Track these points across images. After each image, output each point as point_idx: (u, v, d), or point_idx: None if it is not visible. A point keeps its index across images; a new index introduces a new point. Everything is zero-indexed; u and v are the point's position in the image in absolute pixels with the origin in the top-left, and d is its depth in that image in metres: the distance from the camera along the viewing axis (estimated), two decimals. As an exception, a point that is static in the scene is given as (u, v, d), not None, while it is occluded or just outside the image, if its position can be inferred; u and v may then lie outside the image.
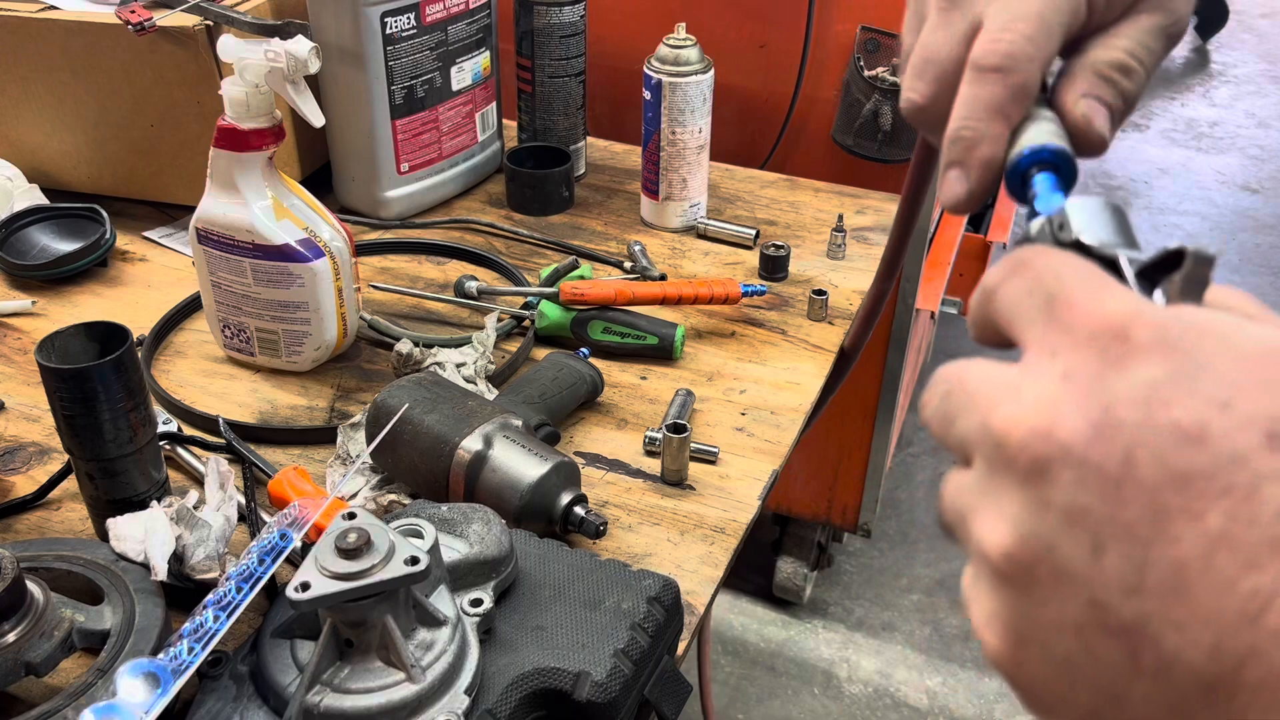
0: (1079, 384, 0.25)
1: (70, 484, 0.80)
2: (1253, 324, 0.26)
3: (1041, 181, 0.37)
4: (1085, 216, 0.33)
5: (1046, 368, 0.27)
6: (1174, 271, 0.30)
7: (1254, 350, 0.24)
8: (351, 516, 0.62)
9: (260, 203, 0.88)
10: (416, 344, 0.93)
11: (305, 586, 0.58)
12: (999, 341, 0.32)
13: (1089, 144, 0.39)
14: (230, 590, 0.63)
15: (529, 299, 1.02)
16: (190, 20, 1.05)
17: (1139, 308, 0.26)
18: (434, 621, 0.62)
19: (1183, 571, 0.23)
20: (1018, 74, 0.38)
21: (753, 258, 1.14)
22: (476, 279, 1.05)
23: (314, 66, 0.85)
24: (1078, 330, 0.27)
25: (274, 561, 0.65)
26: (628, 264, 1.11)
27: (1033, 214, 0.36)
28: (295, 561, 0.71)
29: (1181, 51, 4.46)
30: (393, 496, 0.80)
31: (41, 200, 1.15)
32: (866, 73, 1.35)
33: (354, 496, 0.80)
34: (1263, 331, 0.25)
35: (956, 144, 0.39)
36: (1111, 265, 0.31)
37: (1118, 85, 0.39)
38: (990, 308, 0.31)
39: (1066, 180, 0.37)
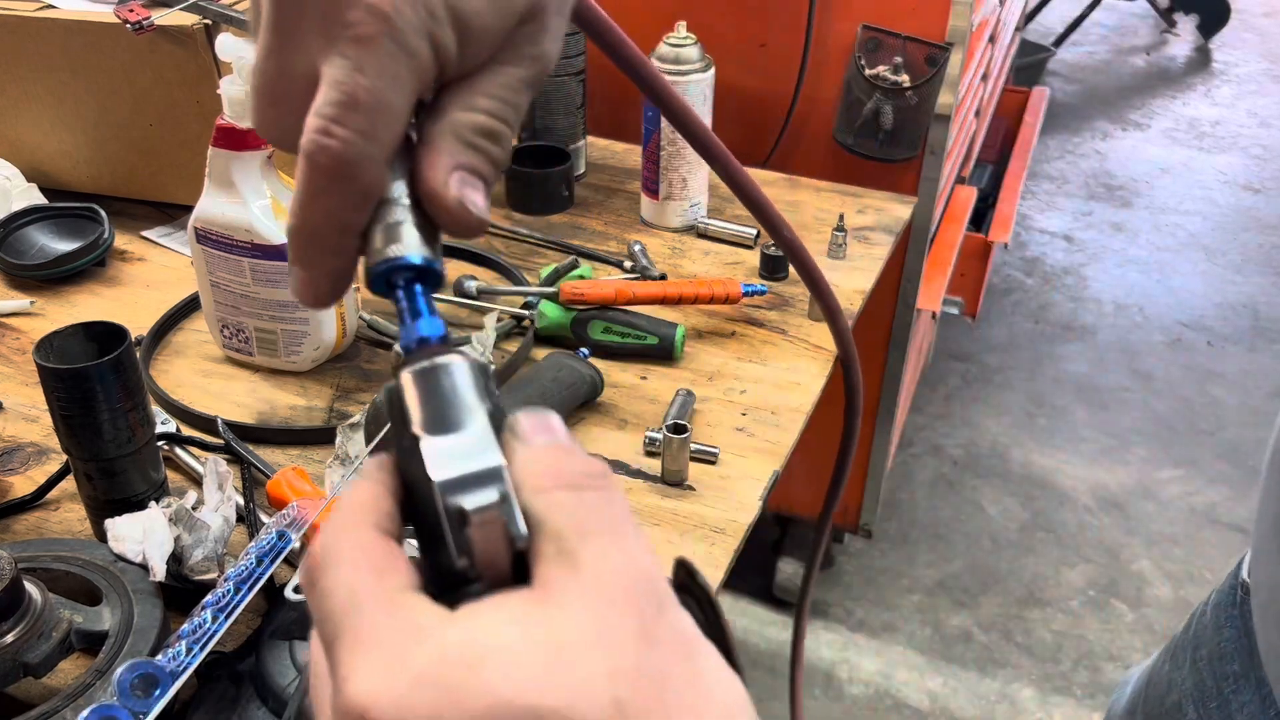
0: None
1: (69, 484, 0.80)
2: (498, 658, 0.25)
3: (406, 297, 0.33)
4: (417, 402, 0.30)
5: None
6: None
7: (481, 712, 0.24)
8: (350, 517, 0.62)
9: (259, 202, 0.88)
10: (416, 344, 0.93)
11: (304, 587, 0.58)
12: None
13: (467, 228, 0.33)
14: (228, 591, 0.63)
15: (529, 299, 1.02)
16: (189, 19, 1.05)
17: (380, 686, 0.25)
18: (433, 622, 0.61)
19: None
20: (357, 181, 0.32)
21: (753, 257, 1.14)
22: (476, 279, 1.05)
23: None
24: (332, 711, 0.26)
25: (272, 562, 0.64)
26: (628, 264, 1.11)
27: (403, 329, 0.33)
28: (294, 562, 0.71)
29: (1184, 50, 4.46)
30: (392, 497, 0.79)
31: (40, 200, 1.15)
32: (867, 72, 1.35)
33: (353, 497, 0.79)
34: (497, 677, 0.25)
35: (298, 248, 0.33)
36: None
37: (486, 152, 0.34)
38: (310, 610, 0.29)
39: (433, 282, 0.33)
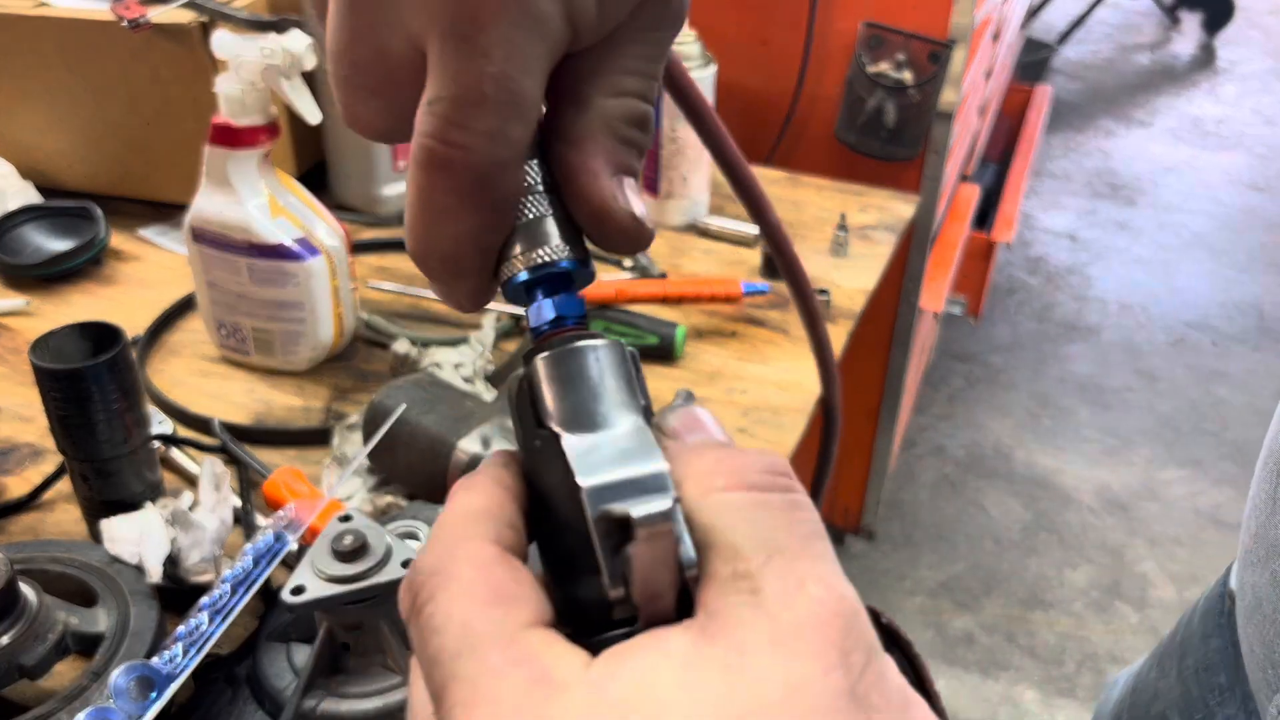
0: None
1: (64, 485, 0.79)
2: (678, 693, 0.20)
3: (543, 292, 0.27)
4: (554, 393, 0.24)
5: None
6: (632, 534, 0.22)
7: None
8: (347, 519, 0.61)
9: (255, 200, 0.87)
10: (414, 344, 0.92)
11: (300, 589, 0.57)
12: None
13: (639, 244, 0.28)
14: (225, 593, 0.62)
15: (529, 298, 1.01)
16: (185, 16, 1.04)
17: None
18: (430, 625, 0.61)
19: None
20: (491, 192, 0.26)
21: (754, 256, 1.14)
22: (476, 278, 1.04)
23: (310, 62, 0.84)
24: None
25: (269, 564, 0.64)
26: (628, 263, 1.10)
27: (534, 308, 0.27)
28: (291, 564, 0.70)
29: (1188, 48, 4.45)
30: (390, 498, 0.79)
31: (35, 198, 1.15)
32: (870, 69, 1.34)
33: (350, 498, 0.79)
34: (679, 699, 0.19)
35: (429, 271, 0.28)
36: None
37: (639, 145, 0.28)
38: (413, 644, 0.24)
39: (583, 283, 0.28)
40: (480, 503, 0.24)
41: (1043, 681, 1.84)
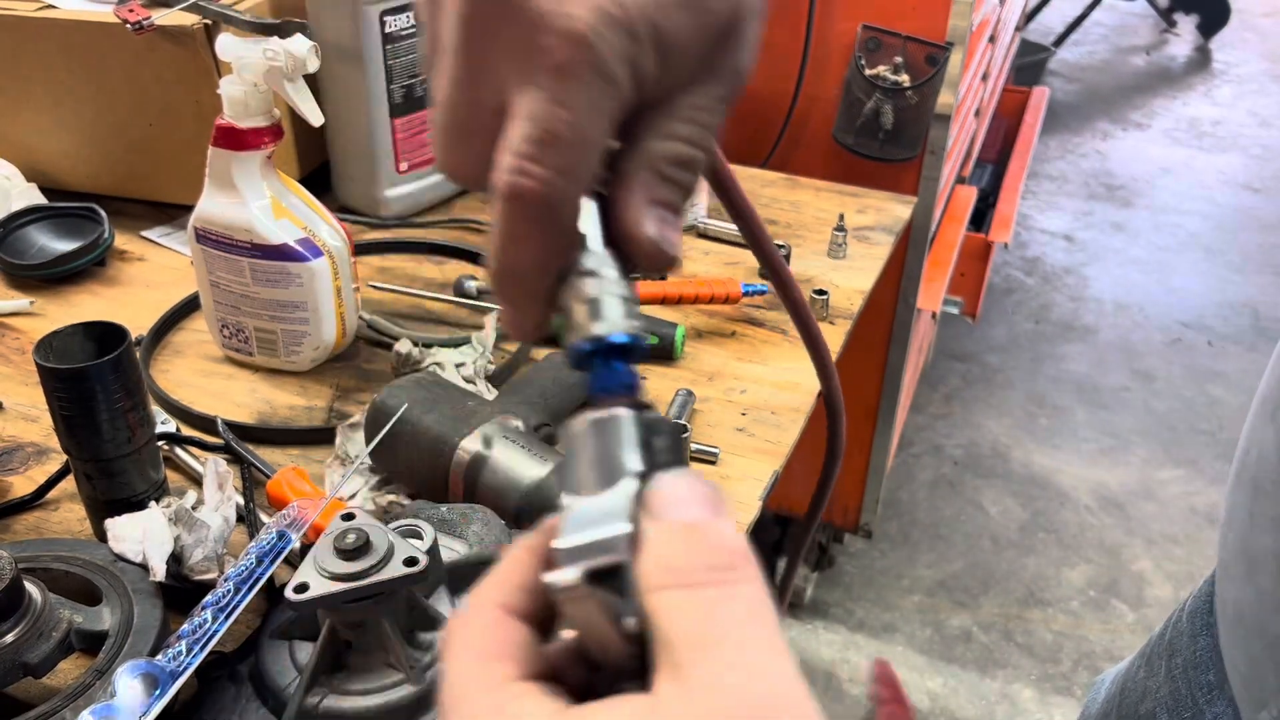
0: None
1: (68, 484, 0.80)
2: None
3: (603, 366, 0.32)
4: (572, 455, 0.29)
5: None
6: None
7: None
8: (350, 517, 0.62)
9: (259, 202, 0.88)
10: (416, 344, 0.93)
11: (304, 587, 0.58)
12: None
13: (662, 267, 0.32)
14: (228, 591, 0.63)
15: (529, 298, 1.02)
16: (189, 19, 1.05)
17: None
18: (433, 623, 0.61)
19: None
20: (557, 222, 0.31)
21: (753, 257, 1.14)
22: (476, 278, 1.05)
23: (313, 65, 0.85)
24: None
25: (272, 562, 0.64)
26: (628, 263, 1.11)
27: (593, 392, 0.31)
28: (294, 562, 0.71)
29: (1184, 50, 4.46)
30: (392, 497, 0.79)
31: (40, 199, 1.15)
32: (868, 71, 1.35)
33: (353, 497, 0.79)
34: None
35: (504, 291, 0.33)
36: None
37: (681, 183, 0.32)
38: None
39: (637, 357, 0.32)
40: (501, 570, 0.30)
41: (1040, 680, 1.85)
